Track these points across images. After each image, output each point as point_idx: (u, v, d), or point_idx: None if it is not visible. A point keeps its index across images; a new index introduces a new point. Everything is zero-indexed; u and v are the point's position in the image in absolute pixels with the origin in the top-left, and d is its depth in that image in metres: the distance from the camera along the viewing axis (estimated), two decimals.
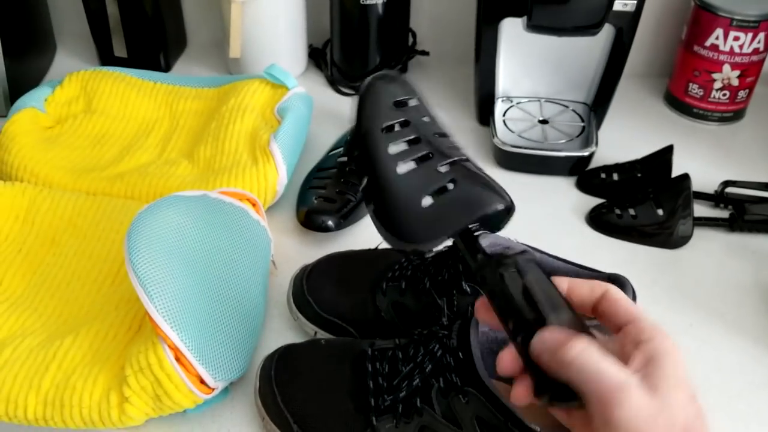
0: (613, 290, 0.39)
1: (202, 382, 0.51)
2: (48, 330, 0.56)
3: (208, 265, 0.56)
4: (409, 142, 0.45)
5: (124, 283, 0.60)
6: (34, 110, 0.78)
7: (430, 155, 0.44)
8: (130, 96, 0.83)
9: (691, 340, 0.61)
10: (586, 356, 0.34)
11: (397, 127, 0.45)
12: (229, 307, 0.55)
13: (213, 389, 0.52)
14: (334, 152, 0.75)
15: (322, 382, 0.50)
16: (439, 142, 0.45)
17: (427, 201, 0.43)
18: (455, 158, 0.45)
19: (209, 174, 0.71)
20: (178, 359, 0.50)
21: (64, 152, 0.75)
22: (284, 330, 0.60)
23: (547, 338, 0.36)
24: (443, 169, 0.44)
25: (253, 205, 0.64)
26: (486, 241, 0.53)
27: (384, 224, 0.44)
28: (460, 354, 0.45)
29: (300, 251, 0.67)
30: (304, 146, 0.78)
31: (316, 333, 0.58)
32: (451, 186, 0.43)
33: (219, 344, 0.53)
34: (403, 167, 0.44)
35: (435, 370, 0.46)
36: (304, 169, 0.75)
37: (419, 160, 0.44)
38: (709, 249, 0.70)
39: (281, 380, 0.51)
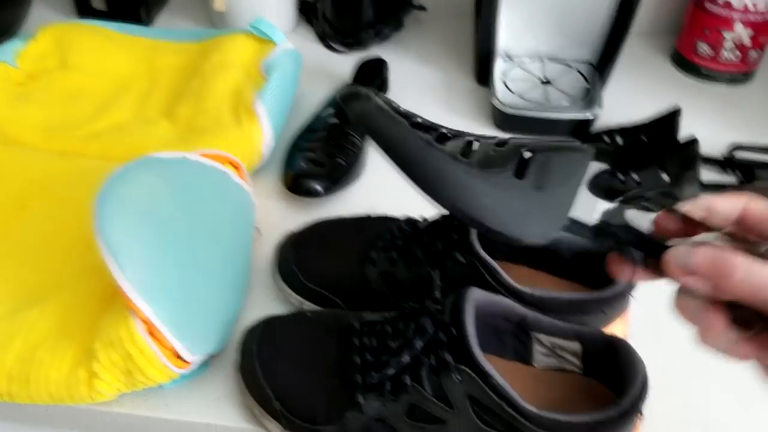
0: (756, 201, 0.35)
1: (178, 356, 0.48)
2: (13, 300, 0.52)
3: (186, 233, 0.52)
4: (446, 137, 0.39)
5: (97, 250, 0.56)
6: (5, 65, 0.73)
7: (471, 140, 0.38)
8: (107, 51, 0.78)
9: None
10: (756, 270, 0.31)
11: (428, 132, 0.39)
12: (208, 277, 0.52)
13: (189, 363, 0.49)
14: (324, 113, 0.71)
15: (306, 357, 0.47)
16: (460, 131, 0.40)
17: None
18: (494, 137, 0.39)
19: (189, 134, 0.67)
20: (150, 333, 0.46)
21: (35, 110, 0.71)
22: (268, 301, 0.57)
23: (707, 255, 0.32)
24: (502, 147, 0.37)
25: (236, 168, 0.60)
26: None
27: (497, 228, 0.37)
28: (453, 330, 0.42)
29: (286, 217, 0.64)
30: (292, 106, 0.73)
31: (302, 304, 0.54)
32: (528, 155, 0.37)
33: (196, 316, 0.49)
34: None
35: (426, 347, 0.43)
36: (292, 131, 0.71)
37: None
38: None
39: (262, 355, 0.48)
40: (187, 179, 0.54)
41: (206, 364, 0.52)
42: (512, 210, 0.36)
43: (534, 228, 0.36)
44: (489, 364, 0.41)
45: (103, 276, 0.53)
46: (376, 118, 0.37)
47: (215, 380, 0.52)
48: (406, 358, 0.43)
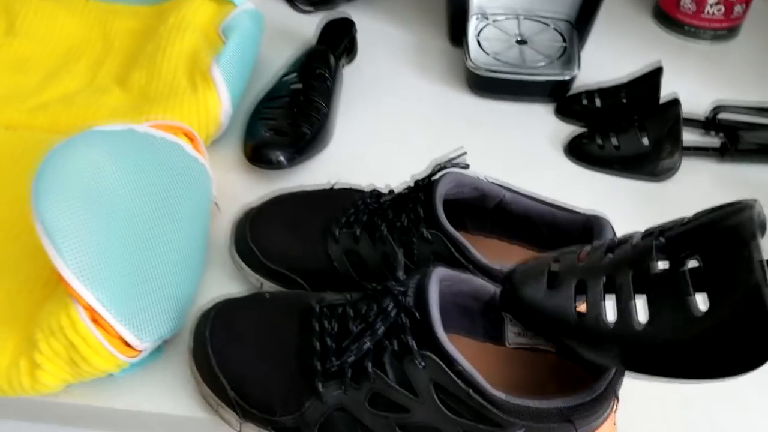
0: None
1: (126, 343, 0.45)
2: None
3: (134, 211, 0.48)
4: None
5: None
6: None
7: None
8: (58, 15, 0.73)
9: None
10: None
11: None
12: (160, 258, 0.48)
13: (140, 351, 0.46)
14: (286, 77, 0.66)
15: (262, 342, 0.44)
16: None
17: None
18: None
19: (143, 103, 0.62)
20: (95, 320, 0.43)
21: None
22: (227, 281, 0.54)
23: None
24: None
25: (191, 139, 0.56)
26: (452, 179, 0.47)
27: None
28: (417, 314, 0.39)
29: (248, 191, 0.60)
30: (253, 71, 0.69)
31: (262, 284, 0.51)
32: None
33: (146, 300, 0.46)
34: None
35: (388, 331, 0.40)
36: (253, 97, 0.67)
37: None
38: (698, 181, 0.64)
39: (217, 340, 0.45)
40: (134, 153, 0.50)
41: (160, 349, 0.49)
42: None
43: None
44: (455, 348, 0.38)
45: (48, 259, 0.50)
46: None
47: (170, 367, 0.49)
48: (367, 344, 0.40)
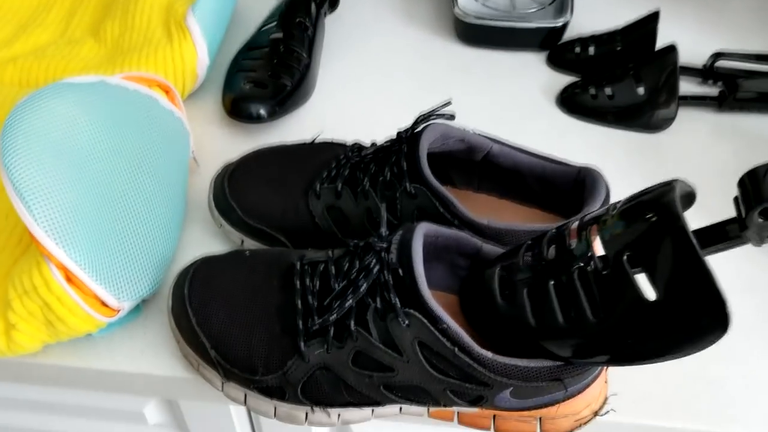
0: None
1: (104, 303, 0.43)
2: None
3: (107, 166, 0.46)
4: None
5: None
6: None
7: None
8: None
9: None
10: None
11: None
12: (136, 214, 0.47)
13: (117, 311, 0.44)
14: (266, 27, 0.64)
15: (244, 301, 0.43)
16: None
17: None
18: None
19: (117, 55, 0.60)
20: (69, 279, 0.42)
21: None
22: (207, 238, 0.52)
23: None
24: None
25: (166, 92, 0.54)
26: (437, 131, 0.45)
27: None
28: (400, 271, 0.37)
29: (227, 145, 0.58)
30: (232, 20, 0.66)
31: (243, 241, 0.50)
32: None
33: (123, 258, 0.45)
34: None
35: (371, 289, 0.38)
36: (232, 48, 0.64)
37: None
38: (695, 131, 0.63)
39: (196, 299, 0.43)
40: (107, 106, 0.48)
41: (139, 308, 0.48)
42: None
43: None
44: (440, 306, 0.36)
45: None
46: None
47: (150, 327, 0.48)
48: (350, 302, 0.38)
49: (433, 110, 0.45)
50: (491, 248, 0.41)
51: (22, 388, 0.55)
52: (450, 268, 0.43)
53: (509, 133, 0.49)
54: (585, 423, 0.42)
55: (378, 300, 0.38)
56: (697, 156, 0.61)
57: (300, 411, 0.41)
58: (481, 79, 0.67)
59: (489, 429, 0.43)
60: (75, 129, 0.45)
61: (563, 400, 0.40)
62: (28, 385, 0.51)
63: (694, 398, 0.45)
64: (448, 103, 0.45)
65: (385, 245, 0.39)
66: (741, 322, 0.48)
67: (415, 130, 0.44)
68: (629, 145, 0.61)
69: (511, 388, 0.38)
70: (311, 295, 0.41)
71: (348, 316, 0.39)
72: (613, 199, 0.44)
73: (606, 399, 0.42)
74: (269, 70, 0.60)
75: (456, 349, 0.36)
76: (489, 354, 0.37)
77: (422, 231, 0.39)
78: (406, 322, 0.37)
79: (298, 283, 0.42)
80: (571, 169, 0.46)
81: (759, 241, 0.32)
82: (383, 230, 0.40)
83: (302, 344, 0.40)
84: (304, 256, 0.43)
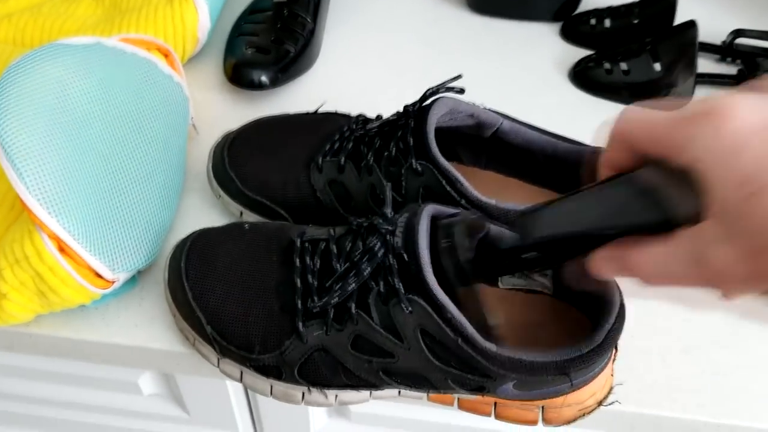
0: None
1: (98, 274, 0.42)
2: None
3: (103, 132, 0.45)
4: None
5: None
6: None
7: None
8: None
9: None
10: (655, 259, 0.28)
11: None
12: (133, 183, 0.45)
13: (112, 282, 0.43)
14: None
15: (241, 277, 0.41)
16: None
17: None
18: None
19: (115, 15, 0.58)
20: (61, 249, 0.40)
21: None
22: (206, 209, 0.51)
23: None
24: None
25: (165, 55, 0.52)
26: (445, 105, 0.43)
27: None
28: (405, 256, 0.36)
29: (227, 112, 0.57)
30: None
31: (242, 213, 0.48)
32: None
33: (118, 229, 0.43)
34: None
35: (374, 272, 0.37)
36: (234, 11, 0.62)
37: None
38: None
39: (193, 272, 0.42)
40: (103, 69, 0.46)
41: (135, 280, 0.47)
42: None
43: None
44: (445, 295, 0.35)
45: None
46: None
47: (147, 298, 0.46)
48: (352, 285, 0.37)
49: (442, 84, 0.43)
50: (497, 230, 0.40)
51: (13, 354, 0.54)
52: None
53: (518, 108, 0.48)
54: (589, 413, 0.41)
55: (381, 284, 0.37)
56: None
57: (297, 391, 0.40)
58: (491, 49, 0.64)
59: (489, 415, 0.42)
60: (70, 93, 0.44)
61: (568, 392, 0.39)
62: (20, 355, 0.50)
63: (701, 389, 0.43)
64: (458, 77, 0.43)
65: (390, 228, 0.37)
66: (748, 312, 0.47)
67: (423, 104, 0.43)
68: None
69: (515, 381, 0.37)
70: (311, 275, 0.39)
71: (349, 298, 0.38)
72: None
73: (611, 389, 0.41)
74: (272, 35, 0.57)
75: (459, 339, 0.35)
76: (493, 347, 0.35)
77: (428, 214, 0.37)
78: (409, 308, 0.36)
79: (297, 261, 0.40)
80: (584, 149, 0.44)
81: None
82: (389, 211, 0.38)
83: (300, 325, 0.39)
84: (305, 233, 0.42)
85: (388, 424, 0.55)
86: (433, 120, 0.41)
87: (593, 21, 0.64)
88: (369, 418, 0.55)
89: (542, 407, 0.40)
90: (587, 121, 0.59)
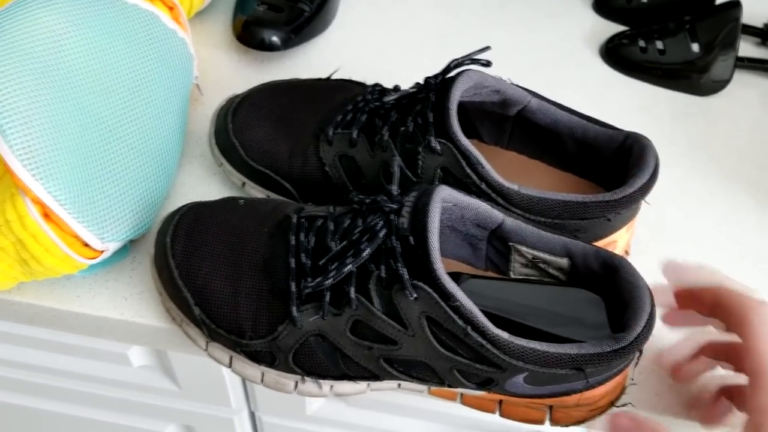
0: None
1: (85, 243, 0.39)
2: None
3: (97, 89, 0.42)
4: None
5: None
6: None
7: None
8: None
9: (709, 214, 0.49)
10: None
11: None
12: (127, 145, 0.42)
13: (100, 252, 0.40)
14: None
15: (232, 255, 0.38)
16: None
17: None
18: None
19: None
20: (46, 215, 0.38)
21: None
22: (206, 177, 0.48)
23: None
24: None
25: (170, 8, 0.48)
26: (470, 79, 0.39)
27: None
28: (411, 239, 0.33)
29: (234, 74, 0.53)
30: None
31: (244, 184, 0.45)
32: None
33: (109, 195, 0.40)
34: None
35: (375, 254, 0.34)
36: None
37: None
38: (749, 98, 0.57)
39: (179, 249, 0.39)
40: (100, 20, 0.43)
41: (126, 249, 0.44)
42: None
43: None
44: (453, 283, 0.32)
45: None
46: None
47: (138, 269, 0.44)
48: (349, 266, 0.34)
49: (467, 55, 0.39)
50: (513, 223, 0.37)
51: None
52: (465, 237, 0.38)
53: (544, 83, 0.44)
54: (600, 414, 0.38)
55: (383, 268, 0.34)
56: (750, 126, 0.55)
57: (289, 379, 0.38)
58: (519, 20, 0.60)
59: (494, 412, 0.39)
60: (62, 45, 0.40)
61: (581, 391, 0.36)
62: (2, 321, 0.47)
63: None
64: (485, 48, 0.40)
65: (395, 206, 0.34)
66: None
67: (446, 77, 0.39)
68: (675, 107, 0.56)
69: (526, 373, 0.34)
70: (305, 253, 0.36)
71: (347, 281, 0.35)
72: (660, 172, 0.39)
73: (624, 389, 0.38)
74: None
75: (469, 327, 0.32)
76: (505, 335, 0.32)
77: (440, 195, 0.34)
78: (414, 295, 0.33)
79: (292, 238, 0.37)
80: (617, 134, 0.40)
81: None
82: (394, 188, 0.35)
83: (294, 309, 0.36)
84: (302, 209, 0.39)
85: (386, 409, 0.53)
86: (457, 95, 0.38)
87: None
88: (367, 402, 0.53)
89: (550, 406, 0.37)
90: (616, 100, 0.55)
